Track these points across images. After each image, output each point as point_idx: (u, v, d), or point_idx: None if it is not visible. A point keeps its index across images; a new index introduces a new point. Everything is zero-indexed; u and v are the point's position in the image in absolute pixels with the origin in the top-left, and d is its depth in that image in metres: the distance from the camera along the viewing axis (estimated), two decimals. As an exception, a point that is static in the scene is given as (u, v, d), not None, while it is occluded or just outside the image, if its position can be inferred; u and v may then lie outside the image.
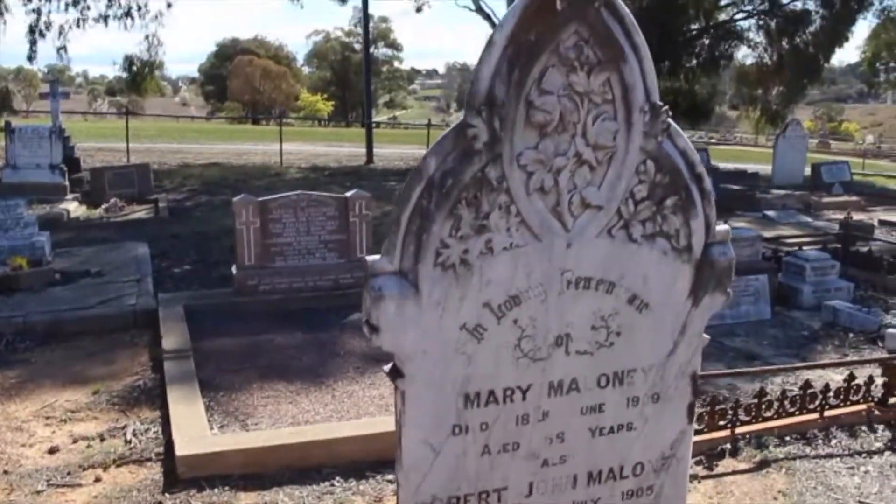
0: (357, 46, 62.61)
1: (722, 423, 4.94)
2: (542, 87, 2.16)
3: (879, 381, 5.42)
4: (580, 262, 2.30)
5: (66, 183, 14.83)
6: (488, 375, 2.30)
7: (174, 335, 6.57)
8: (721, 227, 2.48)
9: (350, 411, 5.43)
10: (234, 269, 7.75)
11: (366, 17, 25.53)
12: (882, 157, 48.17)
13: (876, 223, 14.02)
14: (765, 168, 23.53)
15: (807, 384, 5.21)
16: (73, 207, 13.79)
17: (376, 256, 2.18)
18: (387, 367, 2.29)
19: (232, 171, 19.24)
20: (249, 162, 21.65)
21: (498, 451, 2.38)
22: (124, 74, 26.43)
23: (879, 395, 5.40)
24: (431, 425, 2.29)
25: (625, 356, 2.44)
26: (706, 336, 2.57)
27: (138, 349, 6.69)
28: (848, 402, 5.32)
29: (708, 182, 2.42)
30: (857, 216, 13.93)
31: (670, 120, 2.32)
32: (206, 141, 30.57)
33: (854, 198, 17.36)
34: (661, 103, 2.29)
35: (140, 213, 13.63)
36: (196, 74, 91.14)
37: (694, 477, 4.57)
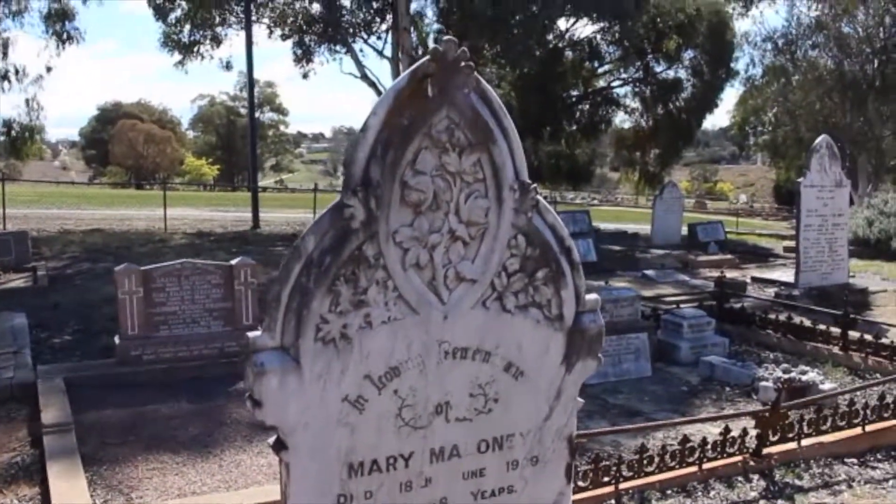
0: (243, 111, 62.49)
1: (606, 479, 5.07)
2: (416, 167, 2.27)
3: (753, 432, 5.65)
4: (456, 333, 2.40)
5: (-63, 251, 14.26)
6: (371, 445, 2.37)
7: (54, 408, 6.40)
8: (590, 297, 2.62)
9: (238, 481, 5.38)
10: (116, 339, 7.61)
11: (251, 81, 25.54)
12: (755, 215, 50.37)
13: (749, 280, 14.65)
14: (644, 228, 24.34)
15: (685, 439, 5.41)
16: (-55, 277, 13.28)
17: (258, 332, 2.24)
18: (271, 440, 2.33)
19: (115, 238, 18.84)
20: (133, 228, 21.27)
21: (382, 520, 2.44)
22: (2, 138, 25.70)
23: (753, 446, 5.64)
24: (317, 495, 2.33)
25: (503, 422, 2.54)
26: (580, 400, 2.69)
27: (16, 424, 6.48)
28: (724, 455, 5.53)
29: (576, 254, 2.57)
30: (731, 274, 14.56)
31: (539, 197, 2.46)
32: (87, 206, 29.89)
33: (728, 256, 18.13)
34: (529, 181, 2.44)
35: (17, 281, 13.19)
36: (77, 138, 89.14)
37: (580, 534, 4.69)
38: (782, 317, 9.50)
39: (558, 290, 2.53)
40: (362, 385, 2.31)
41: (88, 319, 10.20)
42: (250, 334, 2.23)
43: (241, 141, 66.24)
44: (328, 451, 2.32)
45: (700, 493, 5.24)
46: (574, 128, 28.10)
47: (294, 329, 2.21)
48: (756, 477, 5.47)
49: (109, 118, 72.02)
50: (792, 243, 22.96)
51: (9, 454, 5.86)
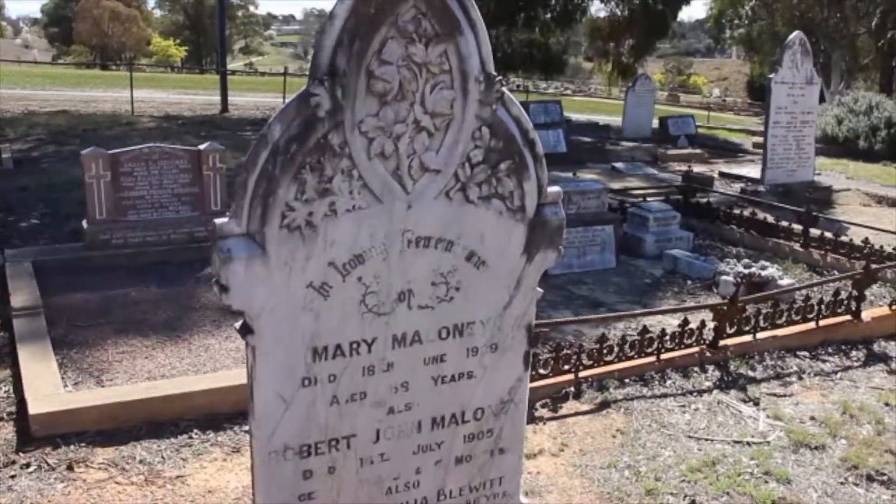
0: (211, -11, 60.85)
1: (566, 367, 5.23)
2: (382, 57, 2.27)
3: (711, 325, 5.81)
4: (420, 222, 2.44)
5: None
6: (335, 330, 2.43)
7: (23, 292, 6.43)
8: (553, 189, 2.67)
9: (207, 364, 5.48)
10: (84, 224, 7.60)
11: (220, -41, 24.84)
12: (727, 109, 50.39)
13: (716, 175, 14.77)
14: (616, 120, 24.30)
15: (644, 329, 5.57)
16: None
17: (224, 219, 2.27)
18: (237, 324, 2.39)
19: (81, 120, 18.56)
20: (99, 110, 20.95)
21: (346, 401, 2.53)
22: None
23: (710, 338, 5.81)
24: (282, 378, 2.41)
25: (464, 310, 2.62)
26: (539, 290, 2.76)
27: (-16, 308, 6.52)
28: (682, 346, 5.70)
29: (540, 147, 2.60)
30: (699, 168, 14.66)
31: (504, 89, 2.48)
32: (52, 87, 29.31)
33: (698, 150, 18.22)
34: (495, 73, 2.45)
35: (-20, 164, 13.04)
36: (38, 15, 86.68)
37: (540, 419, 4.86)
38: (746, 212, 9.65)
39: (521, 181, 2.57)
40: (327, 272, 2.36)
41: (56, 203, 10.15)
42: (217, 221, 2.26)
43: (209, 21, 64.74)
44: (293, 335, 2.38)
45: (657, 383, 5.41)
46: (548, 16, 27.64)
47: (260, 216, 2.24)
48: (711, 368, 5.65)
49: (73, -6, 69.94)
50: (761, 139, 23.18)
51: (-23, 337, 5.91)
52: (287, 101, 2.26)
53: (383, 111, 2.31)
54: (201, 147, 7.86)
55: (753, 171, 14.12)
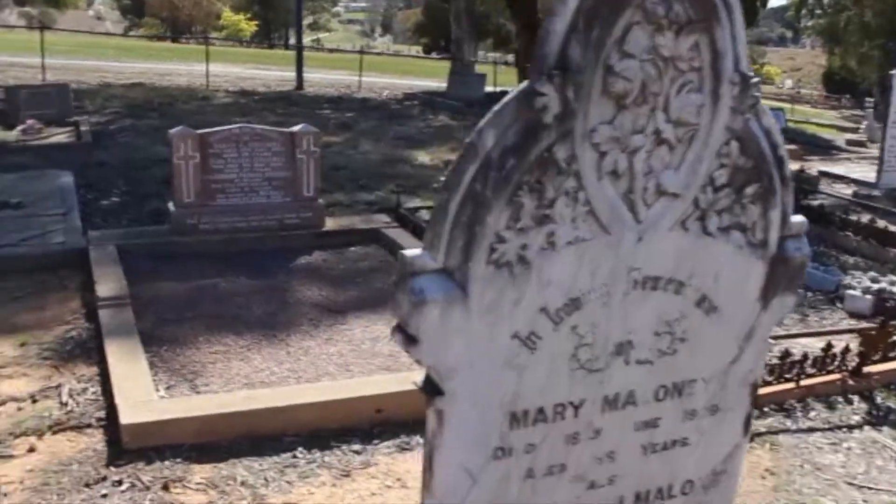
0: (282, -36, 60.71)
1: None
2: (625, 48, 1.77)
3: (855, 349, 5.24)
4: (650, 258, 1.94)
5: (-23, 102, 13.82)
6: (539, 390, 1.94)
7: (108, 280, 6.04)
8: (796, 219, 2.15)
9: (308, 371, 5.03)
10: (171, 206, 7.21)
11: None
12: (802, 102, 48.88)
13: (816, 174, 14.00)
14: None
15: (786, 353, 5.01)
16: (-14, 129, 12.89)
17: (416, 251, 1.79)
18: (418, 380, 1.91)
19: (157, 93, 18.30)
20: (174, 83, 20.66)
21: (543, 475, 2.04)
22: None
23: (854, 364, 5.24)
24: (471, 449, 1.93)
25: (687, 365, 2.11)
26: (771, 341, 2.24)
27: (69, 294, 6.15)
28: (825, 372, 5.14)
29: (789, 167, 2.08)
30: (794, 165, 13.88)
31: (758, 94, 1.96)
32: (126, 59, 29.12)
33: (791, 146, 17.37)
34: (751, 74, 1.93)
35: (60, 136, 12.76)
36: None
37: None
38: (864, 219, 8.97)
39: (766, 209, 2.05)
40: (537, 319, 1.87)
41: (136, 181, 9.79)
42: (407, 253, 1.78)
43: (278, -4, 64.52)
44: (491, 397, 1.90)
45: (799, 413, 4.86)
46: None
47: (462, 249, 1.75)
48: (856, 398, 5.08)
49: (145, -34, 70.16)
50: (854, 136, 22.21)
51: (63, 327, 5.54)
52: (503, 102, 1.75)
53: (620, 118, 1.81)
54: (295, 129, 7.40)
55: (855, 170, 13.36)
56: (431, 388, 1.86)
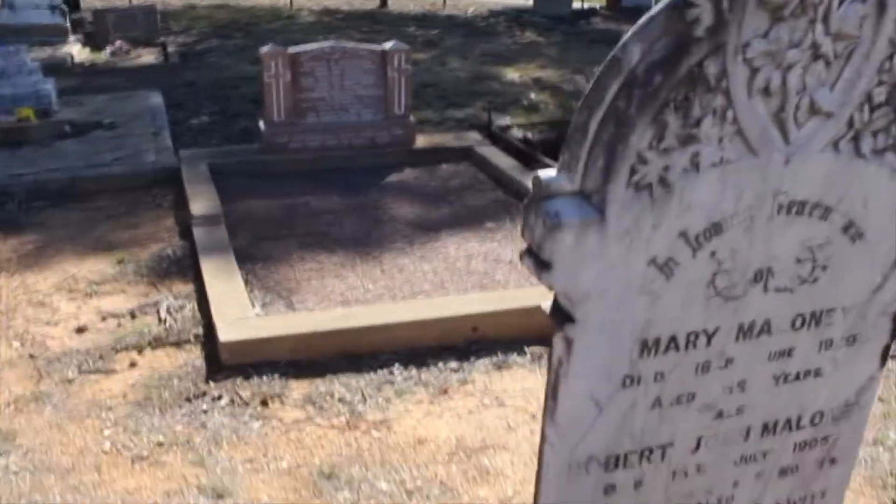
0: None
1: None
2: (783, -49, 1.63)
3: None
4: (797, 181, 1.81)
5: (67, 24, 13.79)
6: (672, 318, 1.85)
7: (202, 198, 6.09)
8: (951, 139, 1.98)
9: (403, 288, 5.02)
10: (261, 125, 7.20)
11: None
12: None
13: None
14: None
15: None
16: (77, 51, 12.91)
17: (550, 172, 1.70)
18: (546, 305, 1.83)
19: (241, 14, 18.21)
20: (258, 3, 20.50)
21: (670, 404, 1.96)
22: None
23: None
24: (599, 378, 1.85)
25: (827, 293, 1.99)
26: (914, 270, 2.11)
27: (162, 212, 6.22)
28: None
29: (947, 81, 1.91)
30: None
31: (922, 1, 1.79)
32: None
33: None
34: (919, -21, 1.76)
35: (148, 57, 12.81)
36: None
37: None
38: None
39: (923, 130, 1.90)
40: (675, 245, 1.77)
41: (224, 100, 9.80)
42: (541, 173, 1.69)
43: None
44: (622, 325, 1.81)
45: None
46: None
47: (602, 170, 1.65)
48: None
49: None
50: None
51: (158, 245, 5.61)
52: (650, 14, 1.63)
53: (775, 30, 1.66)
54: (386, 46, 7.28)
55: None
56: (561, 315, 1.78)
